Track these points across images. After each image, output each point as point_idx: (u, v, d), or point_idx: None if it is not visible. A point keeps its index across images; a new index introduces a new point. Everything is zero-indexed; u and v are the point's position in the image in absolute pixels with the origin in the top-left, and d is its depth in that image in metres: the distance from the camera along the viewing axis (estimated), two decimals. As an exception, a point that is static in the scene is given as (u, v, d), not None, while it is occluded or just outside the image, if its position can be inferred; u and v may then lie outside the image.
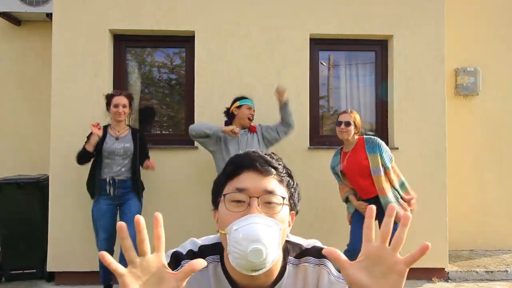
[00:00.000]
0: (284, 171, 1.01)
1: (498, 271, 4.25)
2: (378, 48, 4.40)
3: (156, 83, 4.50)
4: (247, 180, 0.96)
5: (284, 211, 0.97)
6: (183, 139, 4.21)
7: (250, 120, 3.60)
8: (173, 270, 0.81)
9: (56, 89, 4.01)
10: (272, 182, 0.97)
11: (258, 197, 0.94)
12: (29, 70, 4.75)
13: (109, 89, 4.09)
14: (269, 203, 0.95)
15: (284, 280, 1.02)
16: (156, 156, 4.03)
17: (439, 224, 4.18)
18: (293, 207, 1.03)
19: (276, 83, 4.10)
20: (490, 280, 4.21)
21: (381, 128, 4.39)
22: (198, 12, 4.12)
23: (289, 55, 4.15)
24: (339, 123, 3.37)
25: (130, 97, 3.53)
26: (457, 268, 4.31)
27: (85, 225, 3.95)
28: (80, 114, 4.01)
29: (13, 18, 4.60)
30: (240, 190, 0.95)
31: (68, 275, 3.98)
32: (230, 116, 3.64)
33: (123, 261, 3.42)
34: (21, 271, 4.03)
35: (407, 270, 0.76)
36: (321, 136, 4.37)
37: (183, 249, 1.06)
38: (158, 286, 0.76)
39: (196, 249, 1.05)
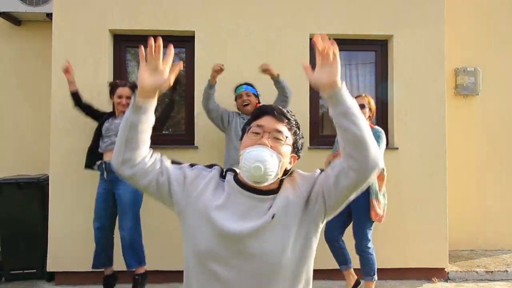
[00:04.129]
0: (294, 123, 1.39)
1: (498, 271, 4.26)
2: (378, 48, 4.40)
3: (156, 83, 4.49)
4: (265, 120, 1.35)
5: (286, 148, 1.34)
6: (183, 139, 4.21)
7: (247, 105, 3.69)
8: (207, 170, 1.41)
9: (56, 89, 4.01)
10: (282, 126, 1.35)
11: (269, 132, 1.33)
12: (29, 70, 4.74)
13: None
14: (276, 138, 1.33)
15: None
16: (156, 156, 4.04)
17: (439, 224, 4.18)
18: (295, 150, 1.40)
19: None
20: (490, 280, 4.21)
21: (381, 128, 4.37)
22: (198, 12, 4.12)
23: (290, 55, 4.15)
24: None
25: (134, 88, 3.55)
26: (457, 268, 4.31)
27: (85, 225, 3.95)
28: (80, 114, 4.00)
29: (13, 18, 4.59)
30: (259, 126, 1.35)
31: (68, 275, 3.98)
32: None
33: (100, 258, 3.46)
34: (21, 271, 4.03)
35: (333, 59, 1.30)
36: (321, 136, 4.36)
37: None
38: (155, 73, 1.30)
39: (221, 169, 1.45)
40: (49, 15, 4.37)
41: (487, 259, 4.68)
